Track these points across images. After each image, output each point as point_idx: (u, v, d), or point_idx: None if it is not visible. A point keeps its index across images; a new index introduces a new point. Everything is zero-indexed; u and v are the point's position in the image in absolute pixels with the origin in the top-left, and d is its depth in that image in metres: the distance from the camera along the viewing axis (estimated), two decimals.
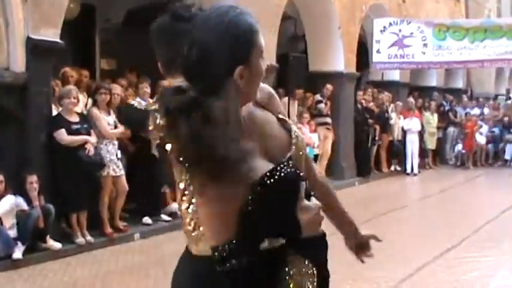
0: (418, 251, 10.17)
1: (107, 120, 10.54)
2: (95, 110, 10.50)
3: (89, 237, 10.07)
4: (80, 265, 9.20)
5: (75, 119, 9.99)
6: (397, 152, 21.19)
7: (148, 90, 11.71)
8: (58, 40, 10.12)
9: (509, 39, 17.86)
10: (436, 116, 22.86)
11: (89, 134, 10.10)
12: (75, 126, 9.93)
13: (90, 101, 11.03)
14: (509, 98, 29.02)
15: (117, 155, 10.55)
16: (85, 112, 10.71)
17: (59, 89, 10.57)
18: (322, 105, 17.53)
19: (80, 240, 9.95)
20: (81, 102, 10.77)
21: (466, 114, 24.01)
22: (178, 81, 2.25)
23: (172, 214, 11.99)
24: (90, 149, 9.95)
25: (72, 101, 9.96)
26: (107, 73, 15.07)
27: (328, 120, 17.58)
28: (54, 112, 10.15)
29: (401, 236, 10.73)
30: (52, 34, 10.00)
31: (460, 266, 9.10)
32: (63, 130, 9.78)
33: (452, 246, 10.31)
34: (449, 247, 10.21)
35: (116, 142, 10.62)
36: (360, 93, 19.63)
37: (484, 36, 18.22)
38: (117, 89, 11.31)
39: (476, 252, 9.93)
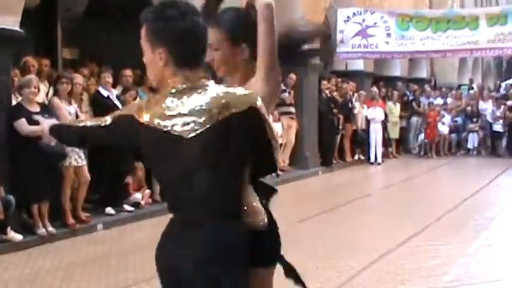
0: (381, 239, 10.22)
1: (68, 110, 10.41)
2: (56, 100, 10.35)
3: (50, 228, 9.94)
4: (42, 257, 9.08)
5: (35, 108, 9.83)
6: (360, 142, 21.30)
7: (110, 80, 11.62)
8: (18, 28, 9.97)
9: (471, 29, 17.99)
10: (398, 105, 23.01)
11: None
12: (36, 116, 9.78)
13: (51, 90, 10.88)
14: (472, 88, 29.25)
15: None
16: (46, 102, 10.57)
17: (18, 78, 10.42)
18: (285, 95, 17.51)
19: (42, 231, 9.82)
20: (42, 92, 10.61)
21: (429, 104, 24.18)
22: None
23: (135, 204, 11.94)
24: (51, 139, 9.78)
25: (32, 90, 9.81)
26: (69, 62, 14.92)
27: (292, 109, 17.58)
28: (14, 102, 10.01)
29: (364, 225, 10.79)
30: (12, 22, 9.84)
31: (422, 253, 9.15)
32: (23, 120, 9.62)
33: (414, 234, 10.37)
34: (412, 235, 10.27)
35: None
36: (324, 82, 19.67)
37: (446, 26, 18.33)
38: (78, 78, 11.18)
39: (437, 240, 9.99)
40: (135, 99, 12.45)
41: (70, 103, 10.56)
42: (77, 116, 10.48)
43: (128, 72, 12.63)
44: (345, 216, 11.07)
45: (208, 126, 2.98)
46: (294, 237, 9.38)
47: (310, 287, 7.22)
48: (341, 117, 19.92)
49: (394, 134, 22.76)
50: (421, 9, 25.33)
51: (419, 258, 8.89)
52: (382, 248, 9.46)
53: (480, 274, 8.13)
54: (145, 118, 3.07)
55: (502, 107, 23.66)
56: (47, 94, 11.00)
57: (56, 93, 10.52)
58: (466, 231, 10.63)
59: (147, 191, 12.44)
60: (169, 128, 3.02)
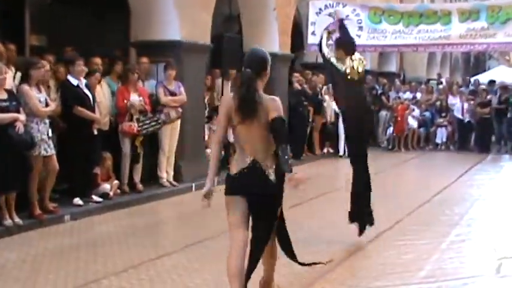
0: (352, 233, 10.14)
1: (39, 98, 10.18)
2: (26, 87, 10.08)
3: (17, 219, 9.73)
4: (8, 248, 8.89)
5: (3, 96, 9.55)
6: (329, 135, 21.25)
7: (84, 68, 11.39)
8: None
9: (443, 24, 18.01)
10: None
11: (18, 111, 9.69)
12: (3, 104, 9.51)
13: (18, 75, 10.58)
14: (441, 83, 29.38)
15: (48, 134, 10.22)
16: (13, 88, 10.25)
17: None
18: None
19: (8, 222, 9.60)
20: (9, 78, 10.32)
21: (397, 98, 24.21)
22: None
23: (103, 195, 11.77)
24: (20, 127, 9.56)
25: (0, 77, 9.58)
26: (37, 49, 14.65)
27: None
28: None
29: (334, 219, 10.68)
30: None
31: (394, 249, 9.11)
32: None
33: (386, 229, 10.32)
34: (383, 230, 10.21)
35: (47, 121, 10.27)
36: (296, 74, 19.59)
37: (419, 20, 18.34)
38: (46, 65, 10.94)
39: (410, 235, 9.97)
40: (99, 82, 12.29)
41: (40, 91, 10.32)
42: (47, 104, 10.26)
43: (98, 60, 12.43)
44: (314, 210, 10.99)
45: None
46: None
47: (281, 283, 7.16)
48: (311, 109, 19.86)
49: None
50: (393, 3, 25.33)
51: (392, 253, 8.85)
52: (354, 243, 9.41)
53: (453, 270, 8.10)
54: None
55: (471, 102, 23.77)
56: (14, 79, 10.71)
57: (24, 80, 10.22)
58: (437, 227, 10.61)
59: (116, 182, 12.30)
60: None
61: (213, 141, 6.52)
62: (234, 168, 6.03)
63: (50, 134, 10.32)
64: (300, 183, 5.80)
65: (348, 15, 18.75)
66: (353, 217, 9.50)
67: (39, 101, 10.11)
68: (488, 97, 23.58)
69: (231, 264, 5.82)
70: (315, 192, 11.56)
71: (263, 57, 6.03)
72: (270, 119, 5.76)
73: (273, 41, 18.34)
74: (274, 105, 5.83)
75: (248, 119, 5.80)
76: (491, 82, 26.34)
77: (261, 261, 6.12)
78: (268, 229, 6.02)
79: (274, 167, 5.90)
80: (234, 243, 5.89)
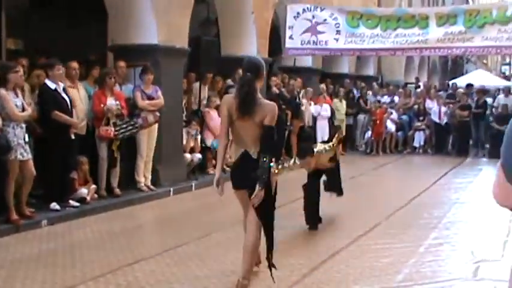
0: (330, 238, 10.17)
1: (15, 102, 10.09)
2: (3, 91, 9.98)
3: None
4: None
5: None
6: (307, 138, 21.24)
7: (61, 72, 11.31)
8: None
9: (421, 28, 18.10)
10: (344, 102, 23.08)
11: None
12: None
13: None
14: (419, 87, 29.50)
15: (24, 139, 10.15)
16: None
17: None
18: (233, 90, 17.36)
19: None
20: None
21: (375, 102, 24.29)
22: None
23: (81, 200, 11.70)
24: None
25: None
26: (13, 53, 14.58)
27: None
28: None
29: None
30: None
31: (372, 252, 9.12)
32: None
33: (364, 233, 10.35)
34: (361, 234, 10.24)
35: (23, 125, 10.18)
36: (274, 78, 19.60)
37: (396, 24, 18.41)
38: (21, 70, 10.82)
39: (387, 239, 9.98)
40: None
41: (17, 95, 10.22)
42: (23, 109, 10.18)
43: (75, 64, 12.35)
44: (291, 215, 10.97)
45: None
46: (239, 235, 9.27)
47: (260, 287, 7.15)
48: (289, 113, 19.87)
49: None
50: (370, 7, 25.44)
51: (370, 257, 8.85)
52: (332, 246, 9.44)
53: (432, 274, 8.11)
54: None
55: (450, 105, 23.89)
56: None
57: (2, 84, 10.11)
58: (415, 230, 10.63)
59: (93, 186, 12.24)
60: None
61: (219, 136, 7.38)
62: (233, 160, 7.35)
63: (27, 139, 10.24)
64: (258, 199, 6.73)
65: (325, 19, 18.86)
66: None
67: (16, 105, 10.02)
68: (468, 101, 23.74)
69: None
70: (293, 195, 11.53)
71: (260, 63, 7.00)
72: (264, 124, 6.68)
73: (251, 45, 18.34)
74: (271, 110, 6.74)
75: (247, 115, 6.67)
76: (469, 86, 26.49)
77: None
78: (265, 209, 6.96)
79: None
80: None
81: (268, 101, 6.92)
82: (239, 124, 6.81)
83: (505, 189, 2.27)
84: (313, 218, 10.56)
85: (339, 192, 11.48)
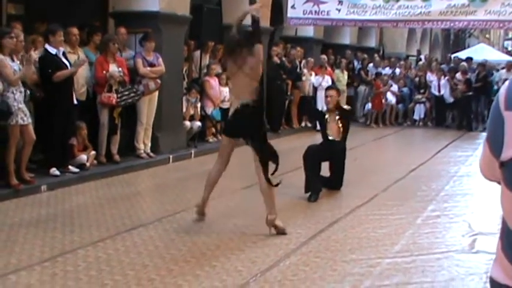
0: (328, 207, 10.21)
1: (13, 67, 10.06)
2: (0, 56, 9.98)
3: None
4: None
5: None
6: (307, 108, 21.26)
7: (62, 38, 11.27)
8: None
9: (423, 0, 17.96)
10: (346, 74, 23.01)
11: None
12: None
13: None
14: (420, 60, 29.43)
15: (25, 98, 10.17)
16: None
17: None
18: None
19: None
20: None
21: (376, 74, 24.24)
22: None
23: (80, 166, 11.73)
24: None
25: None
26: (14, 18, 14.51)
27: None
28: None
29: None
30: None
31: (370, 223, 9.18)
32: None
33: (361, 203, 10.40)
34: (359, 204, 10.30)
35: (22, 89, 10.18)
36: (275, 48, 19.54)
37: None
38: (20, 36, 10.78)
39: (385, 210, 10.03)
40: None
41: (13, 60, 10.20)
42: None
43: (75, 30, 12.30)
44: (290, 185, 10.98)
45: None
46: (239, 204, 9.32)
47: (257, 254, 7.21)
48: (289, 83, 19.87)
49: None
50: None
51: (367, 227, 8.91)
52: (330, 216, 9.50)
53: (428, 245, 8.17)
54: None
55: (453, 79, 23.82)
56: None
57: None
58: (413, 202, 10.67)
59: (93, 153, 12.26)
60: None
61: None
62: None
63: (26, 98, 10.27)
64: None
65: None
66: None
67: (14, 69, 10.00)
68: (469, 75, 23.70)
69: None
70: (291, 166, 11.56)
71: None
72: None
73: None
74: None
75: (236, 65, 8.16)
76: (469, 59, 26.43)
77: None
78: (259, 143, 8.30)
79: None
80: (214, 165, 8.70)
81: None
82: (233, 79, 8.64)
83: (491, 164, 2.30)
84: (313, 187, 10.63)
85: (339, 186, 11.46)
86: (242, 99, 8.21)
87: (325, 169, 11.16)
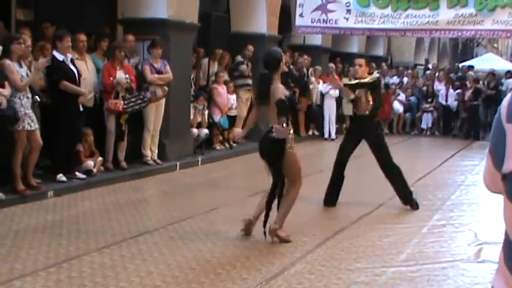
0: (334, 216, 10.22)
1: (20, 72, 10.10)
2: (8, 61, 9.99)
3: (0, 194, 9.72)
4: None
5: None
6: (314, 117, 21.27)
7: (69, 44, 11.31)
8: None
9: (432, 10, 17.93)
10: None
11: (2, 86, 9.65)
12: None
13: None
14: (428, 69, 29.41)
15: (34, 103, 10.20)
16: None
17: None
18: (243, 67, 17.41)
19: None
20: None
21: (385, 84, 24.23)
22: None
23: (87, 172, 11.75)
24: (3, 102, 9.52)
25: None
26: (23, 24, 14.57)
27: (250, 81, 17.47)
28: None
29: (317, 201, 10.74)
30: None
31: (376, 232, 9.17)
32: None
33: (367, 212, 10.40)
34: (365, 213, 10.30)
35: (30, 95, 10.21)
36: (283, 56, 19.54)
37: (407, 5, 18.24)
38: (28, 41, 10.81)
39: (391, 219, 10.04)
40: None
41: (21, 66, 10.24)
42: None
43: (82, 37, 12.33)
44: (302, 190, 10.96)
45: None
46: (244, 210, 9.30)
47: (262, 262, 7.21)
48: (297, 91, 19.88)
49: (348, 110, 22.72)
50: None
51: (373, 236, 8.89)
52: (336, 225, 9.50)
53: (434, 254, 8.16)
54: None
55: (459, 89, 23.80)
56: None
57: (5, 55, 10.12)
58: (419, 211, 10.65)
59: (100, 159, 12.28)
60: None
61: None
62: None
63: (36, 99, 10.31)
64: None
65: None
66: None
67: (21, 75, 10.03)
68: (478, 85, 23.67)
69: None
70: (308, 171, 11.56)
71: (280, 56, 8.62)
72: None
73: (260, 22, 18.31)
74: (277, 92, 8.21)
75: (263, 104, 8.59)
76: (470, 67, 26.47)
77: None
78: (276, 172, 8.45)
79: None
80: None
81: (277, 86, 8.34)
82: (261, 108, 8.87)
83: (494, 176, 2.30)
84: (329, 203, 10.85)
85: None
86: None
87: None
